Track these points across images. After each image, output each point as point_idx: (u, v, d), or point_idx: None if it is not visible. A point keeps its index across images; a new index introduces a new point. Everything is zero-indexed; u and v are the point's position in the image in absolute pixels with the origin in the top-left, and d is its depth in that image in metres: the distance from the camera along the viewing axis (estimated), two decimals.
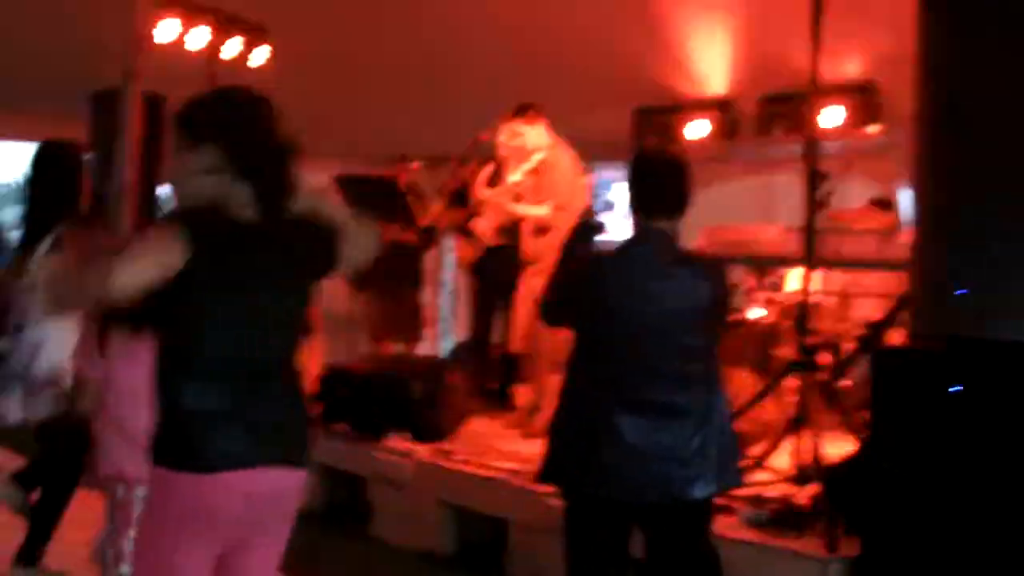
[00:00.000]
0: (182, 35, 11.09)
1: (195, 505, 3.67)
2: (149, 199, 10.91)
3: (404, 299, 12.34)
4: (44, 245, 6.51)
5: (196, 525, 3.68)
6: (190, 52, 11.18)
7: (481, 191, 9.83)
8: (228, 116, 3.92)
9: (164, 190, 13.44)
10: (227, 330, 3.70)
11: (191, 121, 3.92)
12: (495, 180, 10.30)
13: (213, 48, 11.31)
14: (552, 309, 5.28)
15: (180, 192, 4.02)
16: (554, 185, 9.29)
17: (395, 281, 12.05)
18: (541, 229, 9.23)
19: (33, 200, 6.78)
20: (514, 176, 9.52)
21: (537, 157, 9.41)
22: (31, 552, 6.68)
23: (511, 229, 10.02)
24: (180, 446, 3.64)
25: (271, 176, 3.89)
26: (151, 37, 10.14)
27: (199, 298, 3.66)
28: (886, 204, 10.28)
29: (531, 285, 9.12)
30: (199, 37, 11.20)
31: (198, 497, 3.66)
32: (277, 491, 3.87)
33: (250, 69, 11.56)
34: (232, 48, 11.47)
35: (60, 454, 6.74)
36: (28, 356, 6.53)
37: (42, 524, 6.72)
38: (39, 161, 6.90)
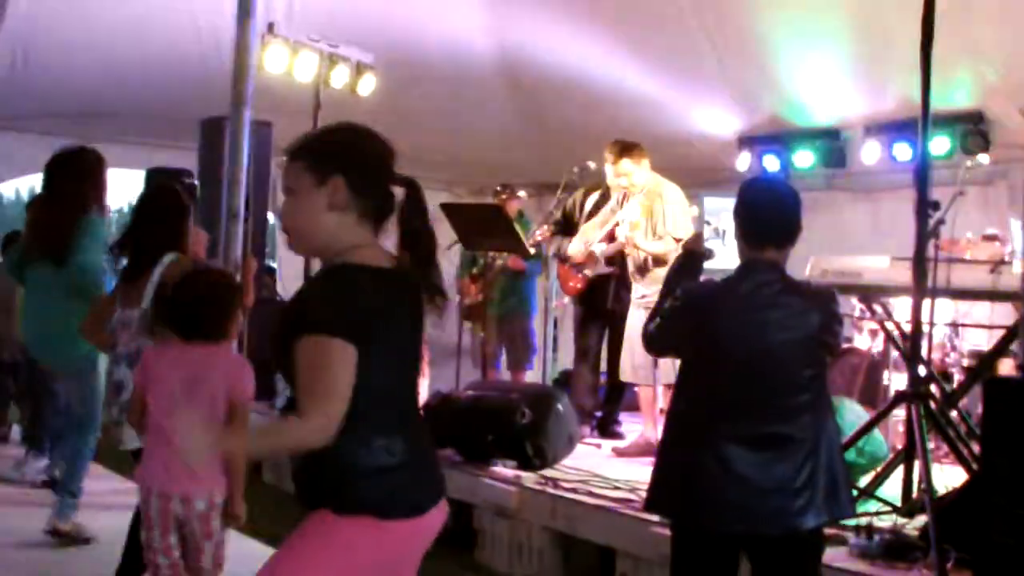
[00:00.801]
0: (290, 64, 11.22)
1: (400, 548, 3.73)
2: (258, 225, 11.03)
3: (512, 327, 12.38)
4: (155, 274, 6.57)
5: (390, 568, 3.73)
6: (298, 81, 11.30)
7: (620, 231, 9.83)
8: (357, 151, 3.89)
9: (273, 217, 13.61)
10: (394, 378, 3.72)
11: (317, 155, 3.83)
12: (600, 207, 10.35)
13: (320, 77, 11.43)
14: (658, 338, 5.25)
15: (299, 231, 3.88)
16: (668, 219, 9.35)
17: (503, 308, 12.11)
18: (657, 262, 9.28)
19: (138, 229, 6.84)
20: (630, 213, 9.56)
21: (647, 193, 9.48)
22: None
23: (615, 259, 10.07)
24: (386, 493, 3.63)
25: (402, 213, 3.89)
26: (260, 66, 10.27)
27: (367, 361, 3.59)
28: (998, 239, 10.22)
29: (639, 314, 9.16)
30: (307, 66, 11.32)
31: (403, 540, 3.72)
32: (439, 524, 3.89)
33: (357, 98, 11.66)
34: (339, 77, 11.58)
35: None
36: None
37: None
38: (146, 191, 6.98)
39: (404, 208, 3.89)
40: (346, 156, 3.83)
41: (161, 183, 7.09)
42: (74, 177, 8.01)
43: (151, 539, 5.48)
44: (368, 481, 3.65)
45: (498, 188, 12.51)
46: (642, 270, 9.53)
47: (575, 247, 10.39)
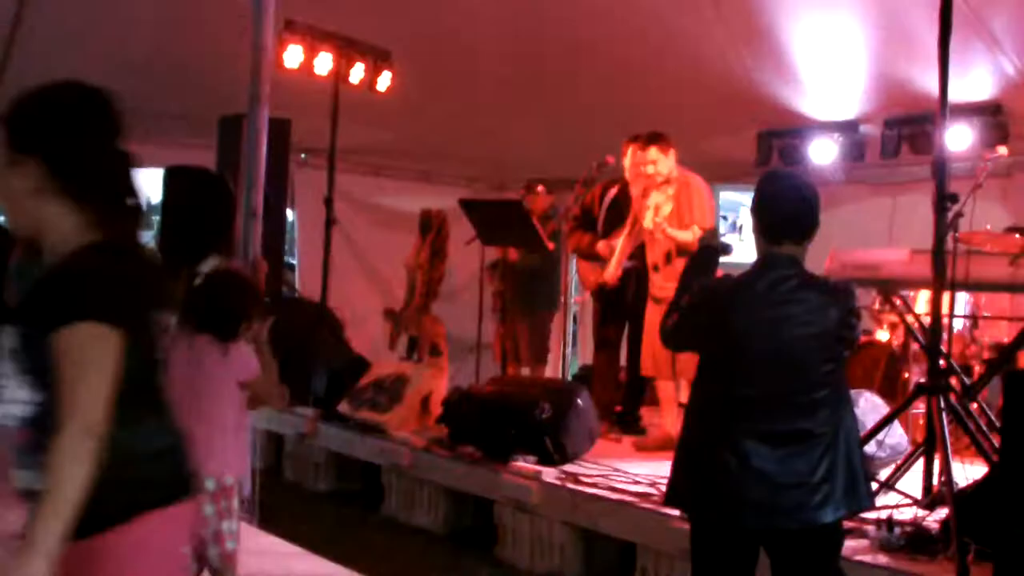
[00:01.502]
0: (308, 60, 11.22)
1: (187, 531, 3.52)
2: (277, 222, 11.06)
3: (532, 322, 12.39)
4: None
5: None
6: (316, 77, 11.30)
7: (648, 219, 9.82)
8: (63, 124, 3.34)
9: (292, 214, 13.62)
10: (150, 355, 3.40)
11: (15, 126, 3.31)
12: (619, 202, 10.37)
13: (338, 73, 11.42)
14: (676, 334, 5.25)
15: (7, 212, 3.45)
16: (694, 210, 9.38)
17: (524, 304, 12.10)
18: (680, 252, 9.30)
19: (182, 225, 6.85)
20: (660, 202, 9.57)
21: (673, 183, 9.51)
22: None
23: (636, 253, 10.08)
24: (175, 478, 3.42)
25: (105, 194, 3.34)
26: (278, 62, 10.27)
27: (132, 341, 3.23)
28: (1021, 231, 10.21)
29: (658, 308, 9.19)
30: (324, 62, 11.31)
31: (188, 521, 3.52)
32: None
33: (375, 94, 11.67)
34: (357, 74, 11.58)
35: None
36: None
37: None
38: (191, 188, 6.97)
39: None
40: (46, 132, 3.29)
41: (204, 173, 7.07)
42: None
43: None
44: (150, 466, 3.36)
45: (530, 183, 12.58)
46: (664, 261, 9.53)
47: (610, 274, 10.39)
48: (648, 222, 9.66)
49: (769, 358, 4.75)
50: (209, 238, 6.71)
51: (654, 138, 9.65)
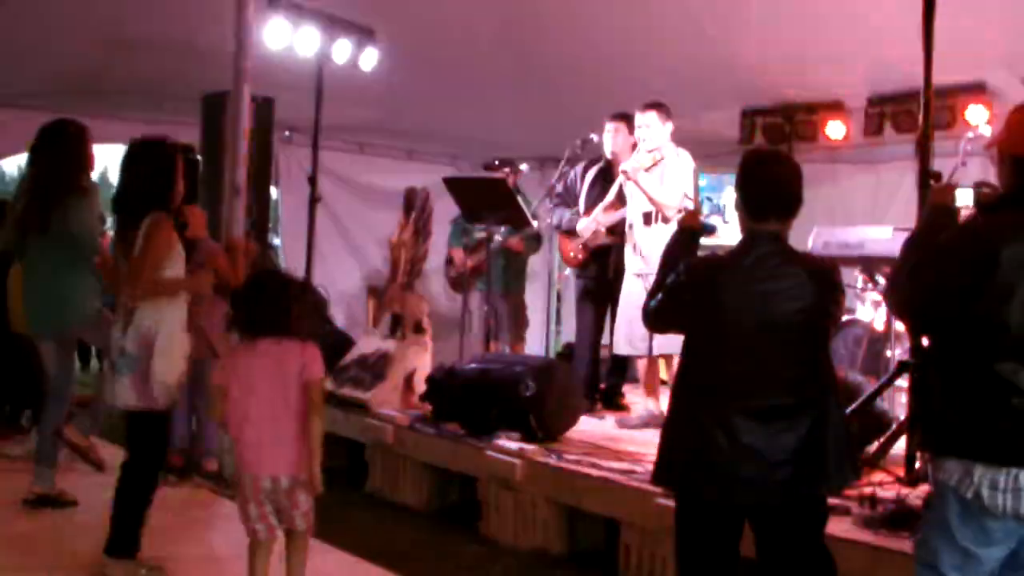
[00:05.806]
0: (291, 38, 11.17)
1: None
2: (260, 199, 11.04)
3: (514, 299, 12.39)
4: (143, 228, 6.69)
5: None
6: (299, 55, 11.27)
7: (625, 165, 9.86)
8: None
9: (276, 192, 13.59)
10: None
11: None
12: (601, 180, 10.39)
13: (322, 51, 11.38)
14: (661, 314, 5.26)
15: None
16: (676, 176, 9.41)
17: (501, 283, 12.09)
18: (659, 217, 9.36)
19: (125, 191, 6.93)
20: (644, 161, 9.60)
21: (663, 151, 9.55)
22: (126, 543, 6.77)
23: (616, 229, 10.11)
24: None
25: None
26: (261, 40, 10.22)
27: None
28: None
29: (634, 286, 9.23)
30: (308, 40, 11.27)
31: None
32: None
33: (359, 72, 11.63)
34: (341, 52, 11.53)
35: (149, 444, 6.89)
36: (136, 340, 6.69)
37: (132, 513, 6.82)
38: (132, 156, 7.07)
39: None
40: None
41: (146, 137, 7.12)
42: (59, 152, 8.02)
43: (248, 510, 5.89)
44: None
45: (496, 163, 12.57)
46: (643, 222, 9.57)
47: (584, 225, 10.43)
48: (627, 164, 9.71)
49: (758, 334, 4.77)
50: (144, 201, 6.88)
51: (656, 104, 9.70)
